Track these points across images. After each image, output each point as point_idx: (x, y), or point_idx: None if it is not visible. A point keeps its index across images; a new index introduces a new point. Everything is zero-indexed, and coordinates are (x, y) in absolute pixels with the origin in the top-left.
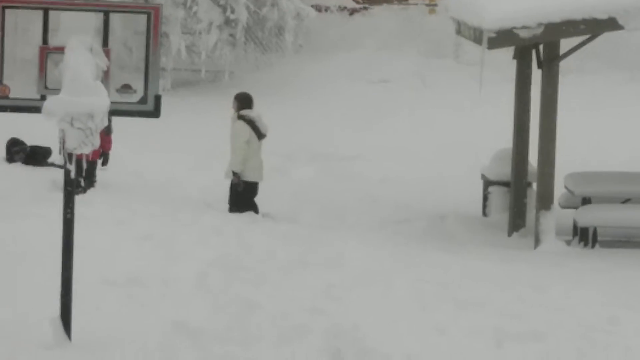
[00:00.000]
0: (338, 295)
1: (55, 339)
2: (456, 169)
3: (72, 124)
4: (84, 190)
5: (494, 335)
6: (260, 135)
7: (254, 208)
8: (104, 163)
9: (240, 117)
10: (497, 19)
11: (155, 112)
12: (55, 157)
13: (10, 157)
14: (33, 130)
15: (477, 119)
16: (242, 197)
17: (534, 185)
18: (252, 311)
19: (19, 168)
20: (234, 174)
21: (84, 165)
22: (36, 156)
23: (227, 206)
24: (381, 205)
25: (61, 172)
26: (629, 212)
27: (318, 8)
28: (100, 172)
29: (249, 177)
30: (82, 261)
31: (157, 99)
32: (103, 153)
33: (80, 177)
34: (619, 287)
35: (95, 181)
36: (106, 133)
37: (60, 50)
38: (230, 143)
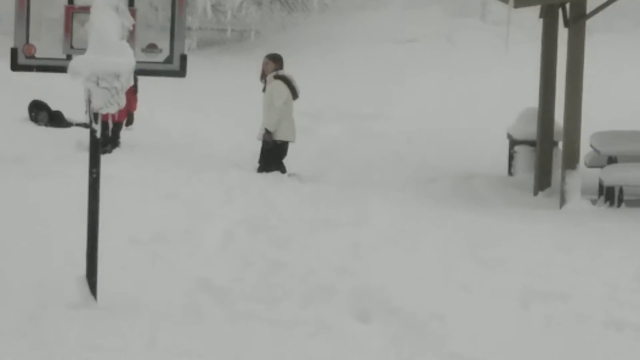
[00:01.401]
0: (364, 255)
1: (81, 298)
2: (482, 128)
3: (98, 84)
4: (110, 150)
5: (519, 295)
6: (295, 95)
7: (281, 168)
8: (129, 123)
9: (278, 77)
10: None
11: (181, 72)
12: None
13: (34, 118)
14: (53, 92)
15: (504, 78)
16: (273, 156)
17: (560, 145)
18: (278, 270)
19: (42, 129)
20: (267, 132)
21: (110, 125)
22: (59, 117)
23: (256, 165)
24: (407, 164)
25: (86, 132)
26: None
27: None
28: (126, 132)
29: (283, 136)
30: (108, 221)
31: (183, 58)
32: (128, 113)
33: (105, 137)
34: None
35: (119, 141)
36: (133, 93)
37: (86, 9)
38: (265, 102)
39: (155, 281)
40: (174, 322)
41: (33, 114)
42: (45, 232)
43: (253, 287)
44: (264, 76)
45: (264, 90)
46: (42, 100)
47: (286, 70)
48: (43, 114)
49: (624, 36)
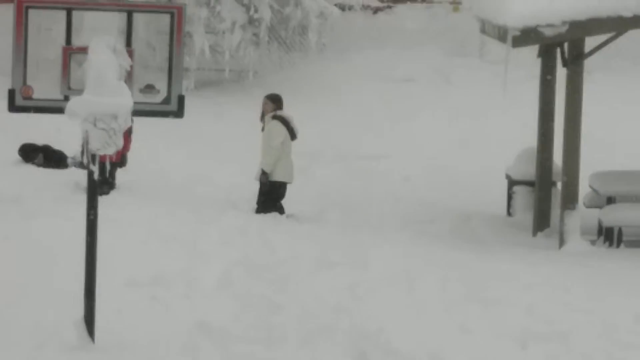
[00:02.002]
0: (362, 296)
1: (78, 341)
2: (480, 168)
3: (95, 125)
4: (107, 192)
5: (519, 335)
6: (293, 135)
7: (279, 209)
8: (122, 164)
9: (276, 117)
10: (522, 17)
11: (178, 112)
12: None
13: (27, 159)
14: (52, 133)
15: (502, 117)
16: (271, 197)
17: (559, 185)
18: (276, 311)
19: (39, 170)
20: (263, 173)
21: (108, 167)
22: (54, 159)
23: (254, 207)
24: (405, 204)
25: (83, 173)
26: None
27: (342, 7)
28: (124, 173)
29: (280, 177)
30: (106, 262)
31: (181, 99)
32: (122, 154)
33: (103, 178)
34: None
35: (115, 183)
36: (127, 134)
37: (84, 50)
38: (263, 143)
39: (153, 323)
40: None
41: (23, 155)
42: (42, 273)
43: (251, 328)
44: (263, 116)
45: (262, 130)
46: (33, 142)
47: (285, 111)
48: (37, 156)
49: (622, 75)
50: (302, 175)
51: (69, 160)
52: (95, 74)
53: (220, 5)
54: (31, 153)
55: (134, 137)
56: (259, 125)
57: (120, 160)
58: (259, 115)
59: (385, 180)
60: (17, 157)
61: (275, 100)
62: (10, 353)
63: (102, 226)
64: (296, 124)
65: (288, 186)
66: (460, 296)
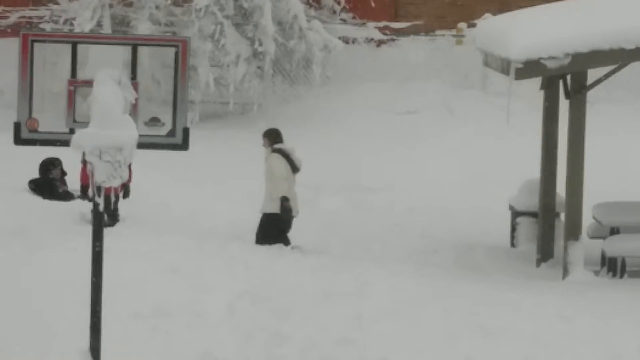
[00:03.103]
0: (366, 327)
1: None
2: (484, 199)
3: (100, 157)
4: (112, 224)
5: None
6: (295, 168)
7: (284, 241)
8: (126, 195)
9: (275, 151)
10: (524, 49)
11: (183, 145)
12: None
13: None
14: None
15: (505, 149)
16: (278, 230)
17: (562, 216)
18: (280, 342)
19: (43, 201)
20: (285, 200)
21: (113, 199)
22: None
23: (254, 237)
24: (409, 235)
25: (88, 204)
26: None
27: (345, 40)
28: (128, 205)
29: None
30: (111, 293)
31: (186, 131)
32: (124, 185)
33: (108, 210)
34: None
35: (118, 214)
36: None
37: (89, 83)
38: (266, 178)
39: (158, 354)
40: None
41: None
42: (48, 305)
43: (255, 359)
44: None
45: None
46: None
47: (286, 144)
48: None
49: (625, 107)
50: (306, 206)
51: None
52: (101, 107)
53: (225, 39)
54: (50, 167)
55: (134, 167)
56: (263, 159)
57: (123, 191)
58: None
59: (389, 211)
60: (23, 187)
61: (270, 135)
62: None
63: (106, 257)
64: (298, 155)
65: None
66: (464, 326)
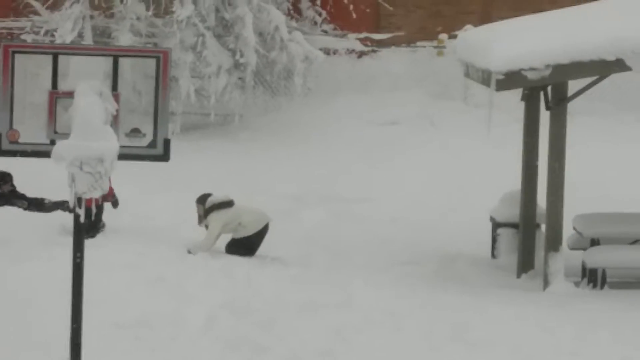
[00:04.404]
0: (348, 338)
1: None
2: (465, 210)
3: (81, 168)
4: (94, 235)
5: None
6: (226, 204)
7: (250, 252)
8: (115, 205)
9: (208, 212)
10: (505, 61)
11: (164, 156)
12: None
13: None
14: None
15: (486, 160)
16: (246, 247)
17: (543, 227)
18: (261, 354)
19: (24, 212)
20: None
21: (94, 210)
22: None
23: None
24: (390, 246)
25: (69, 216)
26: (638, 253)
27: (326, 51)
28: (110, 216)
29: (255, 228)
30: (92, 304)
31: (167, 142)
32: (112, 195)
33: (89, 221)
34: (629, 328)
35: (100, 225)
36: None
37: (70, 94)
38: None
39: None
40: None
41: None
42: (28, 316)
43: None
44: (200, 220)
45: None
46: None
47: (211, 197)
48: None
49: (605, 119)
50: (287, 217)
51: (46, 202)
52: (82, 118)
53: (206, 50)
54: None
55: (115, 178)
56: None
57: (112, 201)
58: (197, 222)
59: (370, 222)
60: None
61: (201, 201)
62: None
63: (88, 268)
64: (221, 195)
65: (271, 228)
66: (445, 337)
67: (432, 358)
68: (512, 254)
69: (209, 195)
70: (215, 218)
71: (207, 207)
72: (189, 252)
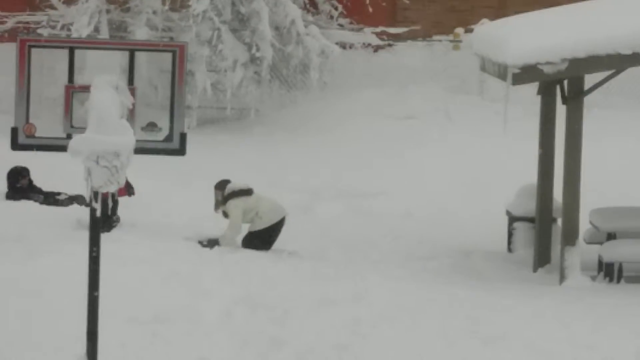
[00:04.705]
0: (364, 332)
1: None
2: (481, 204)
3: (97, 162)
4: (109, 229)
5: None
6: (246, 192)
7: (267, 248)
8: (131, 193)
9: (226, 198)
10: (521, 54)
11: (180, 150)
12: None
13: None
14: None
15: (502, 154)
16: (261, 241)
17: (559, 221)
18: (278, 348)
19: (40, 207)
20: (214, 241)
21: (110, 204)
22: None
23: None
24: (406, 241)
25: (86, 210)
26: None
27: (342, 45)
28: (126, 210)
29: (271, 220)
30: (108, 299)
31: (183, 136)
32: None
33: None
34: None
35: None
36: None
37: (86, 89)
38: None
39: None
40: None
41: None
42: (45, 311)
43: None
44: (217, 206)
45: (226, 216)
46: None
47: (231, 184)
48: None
49: (621, 112)
50: (303, 212)
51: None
52: (98, 112)
53: (222, 44)
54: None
55: (132, 173)
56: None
57: (127, 192)
58: (214, 207)
59: (386, 217)
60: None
61: (220, 187)
62: None
63: (104, 263)
64: (240, 182)
65: (290, 224)
66: (461, 332)
67: (447, 352)
68: (528, 248)
69: (227, 181)
70: (235, 205)
71: (226, 193)
72: (204, 245)
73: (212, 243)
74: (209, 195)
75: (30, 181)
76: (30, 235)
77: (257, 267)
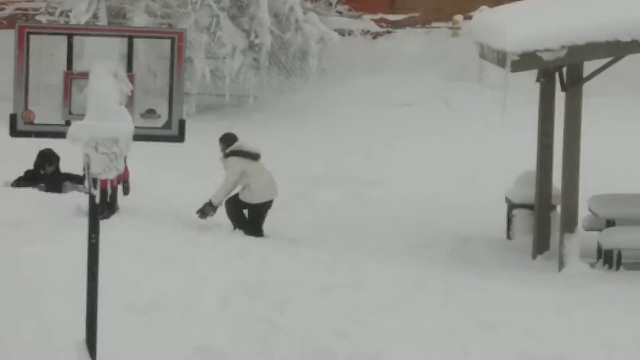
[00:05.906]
0: (362, 319)
1: None
2: (480, 191)
3: (96, 149)
4: (108, 216)
5: (518, 357)
6: (252, 156)
7: (258, 233)
8: (126, 192)
9: (228, 155)
10: (520, 41)
11: (179, 137)
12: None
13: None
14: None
15: (501, 141)
16: (250, 219)
17: (558, 208)
18: (276, 335)
19: (39, 193)
20: (210, 204)
21: (109, 191)
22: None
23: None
24: (405, 228)
25: (84, 197)
26: None
27: (341, 32)
28: (124, 197)
29: (259, 198)
30: (106, 286)
31: (182, 123)
32: (123, 181)
33: (104, 202)
34: None
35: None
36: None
37: (85, 75)
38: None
39: (153, 347)
40: None
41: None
42: (43, 298)
43: (250, 351)
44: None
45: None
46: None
47: (240, 141)
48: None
49: (620, 100)
50: (301, 199)
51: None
52: (97, 99)
53: (221, 31)
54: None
55: (130, 160)
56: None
57: (123, 188)
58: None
59: (384, 204)
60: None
61: (222, 140)
62: None
63: (102, 250)
64: (252, 144)
65: (285, 209)
66: (459, 319)
67: (445, 339)
68: (528, 235)
69: (232, 135)
70: (235, 163)
71: (232, 149)
72: (200, 216)
73: (204, 209)
74: (207, 181)
75: (57, 169)
76: (28, 221)
77: (254, 254)
